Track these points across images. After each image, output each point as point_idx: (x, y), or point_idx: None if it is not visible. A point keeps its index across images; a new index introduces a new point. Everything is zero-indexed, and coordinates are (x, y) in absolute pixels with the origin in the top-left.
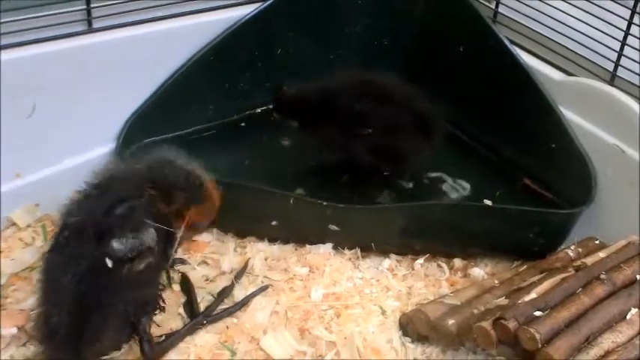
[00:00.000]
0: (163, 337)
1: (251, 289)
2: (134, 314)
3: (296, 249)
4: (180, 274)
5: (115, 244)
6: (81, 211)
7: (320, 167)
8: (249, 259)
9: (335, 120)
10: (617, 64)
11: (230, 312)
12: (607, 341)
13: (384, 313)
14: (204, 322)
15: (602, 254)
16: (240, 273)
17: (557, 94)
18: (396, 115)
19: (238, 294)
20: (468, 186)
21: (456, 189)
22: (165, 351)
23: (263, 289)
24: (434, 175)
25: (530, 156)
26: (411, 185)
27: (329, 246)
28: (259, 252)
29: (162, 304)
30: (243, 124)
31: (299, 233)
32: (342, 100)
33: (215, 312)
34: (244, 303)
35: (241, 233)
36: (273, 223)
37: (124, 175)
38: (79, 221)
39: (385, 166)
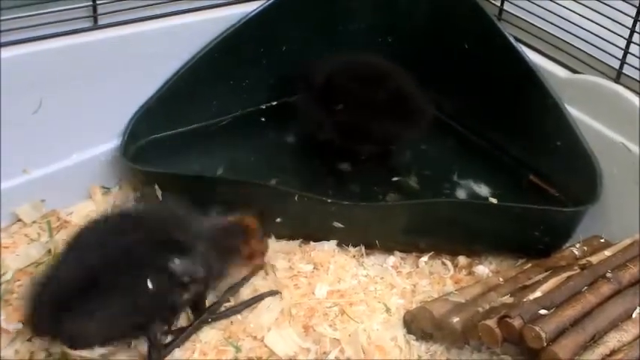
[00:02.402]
0: (169, 338)
1: (256, 283)
2: (148, 320)
3: (300, 246)
4: None
5: (176, 262)
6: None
7: (325, 163)
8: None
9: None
10: (623, 62)
11: (236, 311)
12: (613, 340)
13: (388, 310)
14: (209, 319)
15: (607, 253)
16: (249, 275)
17: (563, 91)
18: (379, 96)
19: (244, 291)
20: (476, 186)
21: (463, 187)
22: (170, 352)
23: (272, 293)
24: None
25: (536, 154)
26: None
27: (333, 243)
28: None
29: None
30: (247, 120)
31: (303, 230)
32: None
33: (220, 310)
34: (250, 304)
35: None
36: (278, 220)
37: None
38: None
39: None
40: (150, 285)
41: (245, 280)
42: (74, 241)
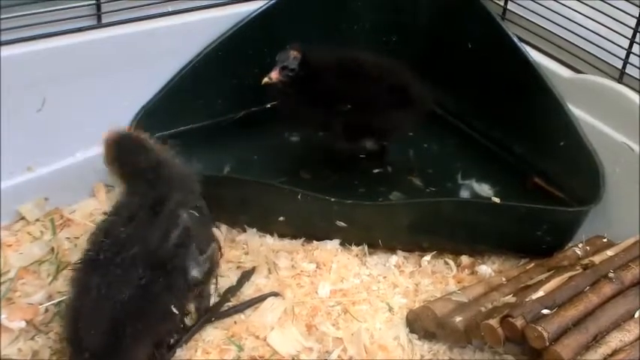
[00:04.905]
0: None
1: (258, 282)
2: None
3: (303, 245)
4: None
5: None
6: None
7: (328, 163)
8: (257, 266)
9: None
10: (625, 62)
11: (238, 310)
12: (615, 340)
13: (391, 309)
14: (212, 319)
15: (609, 253)
16: (247, 275)
17: (566, 91)
18: (377, 89)
19: (247, 290)
20: (479, 186)
21: (466, 186)
22: (174, 353)
23: (273, 294)
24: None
25: (539, 153)
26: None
27: (336, 242)
28: (267, 248)
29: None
30: (251, 120)
31: (306, 229)
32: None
33: (222, 309)
34: (252, 304)
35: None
36: (281, 218)
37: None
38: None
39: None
40: (176, 311)
41: (245, 279)
42: (83, 289)
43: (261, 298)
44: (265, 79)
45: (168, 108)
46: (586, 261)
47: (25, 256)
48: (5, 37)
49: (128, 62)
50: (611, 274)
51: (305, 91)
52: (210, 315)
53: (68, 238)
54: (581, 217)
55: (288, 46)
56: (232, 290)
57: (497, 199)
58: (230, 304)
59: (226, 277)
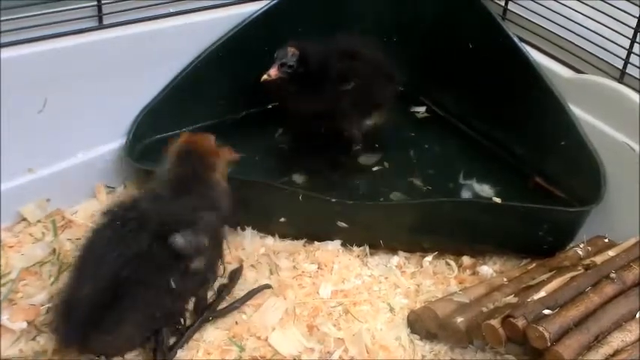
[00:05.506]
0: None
1: (260, 282)
2: (160, 320)
3: (304, 245)
4: None
5: (179, 239)
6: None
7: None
8: (243, 261)
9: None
10: (626, 62)
11: (234, 307)
12: (616, 340)
13: (392, 310)
14: (210, 318)
15: (611, 253)
16: (238, 271)
17: (567, 91)
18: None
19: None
20: (481, 186)
21: (468, 186)
22: (175, 354)
23: (265, 287)
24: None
25: (540, 153)
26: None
27: (337, 243)
28: (268, 248)
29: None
30: (252, 120)
31: (308, 230)
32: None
33: (220, 307)
34: (246, 299)
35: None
36: (282, 219)
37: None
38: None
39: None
40: (173, 285)
41: (238, 273)
42: (87, 250)
43: (255, 291)
44: (264, 77)
45: (169, 109)
46: (587, 261)
47: (27, 257)
48: (6, 38)
49: (129, 63)
50: (612, 275)
51: (304, 87)
52: (207, 314)
53: (70, 239)
54: (582, 217)
55: (287, 43)
56: (228, 288)
57: (498, 200)
58: (225, 303)
59: (226, 277)
